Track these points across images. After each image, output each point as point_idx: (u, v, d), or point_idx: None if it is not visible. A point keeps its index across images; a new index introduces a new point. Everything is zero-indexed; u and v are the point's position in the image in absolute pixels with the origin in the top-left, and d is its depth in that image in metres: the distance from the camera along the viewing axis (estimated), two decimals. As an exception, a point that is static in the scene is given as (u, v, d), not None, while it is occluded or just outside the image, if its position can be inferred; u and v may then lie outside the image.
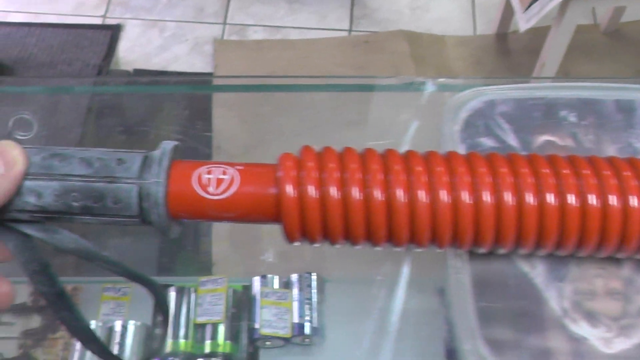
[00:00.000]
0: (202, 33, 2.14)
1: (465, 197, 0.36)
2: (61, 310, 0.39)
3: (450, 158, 0.38)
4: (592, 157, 0.39)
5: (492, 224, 0.37)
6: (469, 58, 2.03)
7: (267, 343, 0.71)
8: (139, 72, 2.07)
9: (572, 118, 0.47)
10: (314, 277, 0.74)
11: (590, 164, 0.38)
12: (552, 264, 0.42)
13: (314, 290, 0.73)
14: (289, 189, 0.37)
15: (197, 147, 1.02)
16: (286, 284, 0.75)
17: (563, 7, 1.56)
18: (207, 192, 0.38)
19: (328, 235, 0.38)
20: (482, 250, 0.39)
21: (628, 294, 0.41)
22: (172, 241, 0.85)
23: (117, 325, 0.72)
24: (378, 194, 0.36)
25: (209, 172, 0.38)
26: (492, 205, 0.37)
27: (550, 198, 0.36)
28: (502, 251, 0.39)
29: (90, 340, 0.40)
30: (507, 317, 0.40)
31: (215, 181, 0.38)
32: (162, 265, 0.84)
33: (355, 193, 0.36)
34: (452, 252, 0.42)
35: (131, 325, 0.72)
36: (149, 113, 1.08)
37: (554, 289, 0.41)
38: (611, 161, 0.39)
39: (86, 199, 0.38)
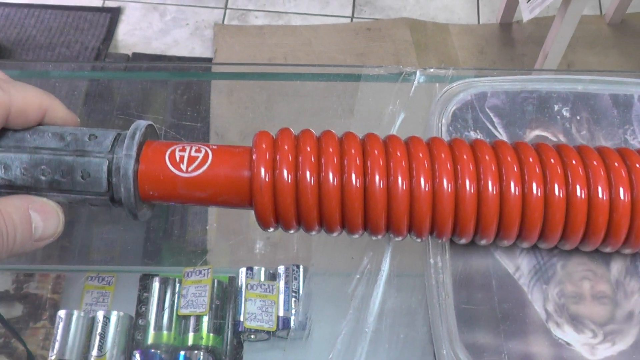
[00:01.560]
0: (203, 17, 2.12)
1: (445, 184, 0.35)
2: None
3: (432, 144, 0.37)
4: (581, 147, 0.37)
5: (472, 212, 0.35)
6: (472, 47, 2.00)
7: (252, 336, 0.70)
8: (137, 56, 2.05)
9: (566, 112, 0.45)
10: (301, 269, 0.72)
11: (579, 154, 0.36)
12: (537, 265, 0.40)
13: (301, 283, 0.71)
14: (262, 172, 0.35)
15: (194, 133, 1.01)
16: (272, 276, 0.73)
17: (568, -3, 1.54)
18: (179, 169, 0.37)
19: (302, 222, 0.36)
20: (462, 241, 0.37)
21: (616, 299, 0.40)
22: (159, 230, 0.83)
23: (99, 316, 0.70)
24: (355, 180, 0.35)
25: (182, 150, 0.37)
26: (473, 194, 0.35)
27: (534, 187, 0.35)
28: (483, 242, 0.37)
29: None
30: (488, 320, 0.39)
31: (187, 158, 0.37)
32: (149, 254, 0.83)
33: (331, 178, 0.35)
34: (433, 251, 0.40)
35: (114, 316, 0.70)
36: (147, 98, 1.07)
37: (538, 291, 0.40)
38: (600, 151, 0.37)
39: (54, 173, 0.37)
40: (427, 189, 0.35)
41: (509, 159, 0.35)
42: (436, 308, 0.39)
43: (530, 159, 0.35)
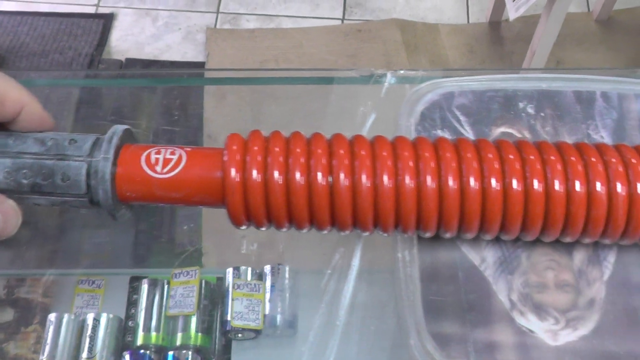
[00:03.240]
0: (195, 22, 2.13)
1: (407, 180, 0.36)
2: None
3: (396, 143, 0.38)
4: (541, 142, 0.39)
5: (435, 208, 0.37)
6: (462, 47, 2.02)
7: (239, 335, 0.71)
8: (131, 62, 2.07)
9: (530, 110, 0.46)
10: (286, 268, 0.74)
11: (538, 149, 0.38)
12: (502, 257, 0.42)
13: (287, 282, 0.73)
14: (233, 173, 0.37)
15: (187, 136, 1.02)
16: (259, 276, 0.74)
17: (553, -4, 1.55)
18: (154, 171, 0.38)
19: (272, 220, 0.38)
20: (427, 235, 0.39)
21: (579, 287, 0.41)
22: (149, 232, 0.85)
23: (89, 318, 0.71)
24: (321, 178, 0.36)
25: (157, 153, 0.39)
26: (434, 190, 0.36)
27: (493, 182, 0.36)
28: (447, 235, 0.39)
29: None
30: (454, 311, 0.40)
31: (162, 161, 0.38)
32: (139, 257, 0.84)
33: (298, 177, 0.36)
34: (401, 245, 0.41)
35: (103, 318, 0.72)
36: (141, 104, 1.08)
37: (503, 281, 0.41)
38: (559, 146, 0.38)
39: (36, 177, 0.38)
40: (390, 186, 0.36)
41: (469, 155, 0.37)
42: (404, 300, 0.40)
43: (490, 155, 0.37)
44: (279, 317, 0.71)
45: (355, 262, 0.44)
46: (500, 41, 2.05)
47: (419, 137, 0.39)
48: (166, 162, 0.38)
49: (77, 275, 0.79)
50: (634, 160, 0.38)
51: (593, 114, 0.46)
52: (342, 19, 2.10)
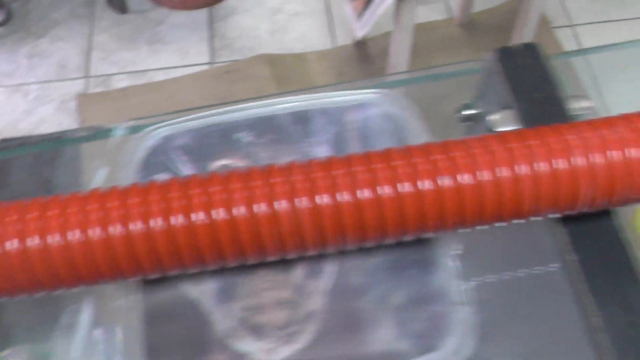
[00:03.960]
0: (67, 90, 2.12)
1: (116, 230, 0.37)
2: None
3: (108, 193, 0.39)
4: (267, 167, 0.40)
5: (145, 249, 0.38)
6: (331, 71, 2.06)
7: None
8: (6, 142, 2.03)
9: (249, 138, 0.48)
10: (118, 331, 0.73)
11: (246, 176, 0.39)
12: (222, 286, 0.43)
13: (119, 347, 0.72)
14: None
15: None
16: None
17: (397, 10, 1.61)
18: None
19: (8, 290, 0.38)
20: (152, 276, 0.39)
21: (296, 301, 0.43)
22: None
23: None
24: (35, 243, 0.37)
25: None
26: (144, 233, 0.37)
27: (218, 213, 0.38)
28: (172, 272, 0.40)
29: None
30: (175, 350, 0.41)
31: None
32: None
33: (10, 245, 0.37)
34: (120, 293, 0.42)
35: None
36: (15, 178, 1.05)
37: (220, 310, 0.42)
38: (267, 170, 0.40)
39: None
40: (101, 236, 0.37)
41: (172, 195, 0.38)
42: (125, 348, 0.41)
43: (196, 190, 0.38)
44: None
45: (84, 317, 0.44)
46: (367, 59, 2.10)
47: (133, 185, 0.40)
48: None
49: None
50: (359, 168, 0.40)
51: (311, 132, 0.48)
52: (211, 63, 2.11)
